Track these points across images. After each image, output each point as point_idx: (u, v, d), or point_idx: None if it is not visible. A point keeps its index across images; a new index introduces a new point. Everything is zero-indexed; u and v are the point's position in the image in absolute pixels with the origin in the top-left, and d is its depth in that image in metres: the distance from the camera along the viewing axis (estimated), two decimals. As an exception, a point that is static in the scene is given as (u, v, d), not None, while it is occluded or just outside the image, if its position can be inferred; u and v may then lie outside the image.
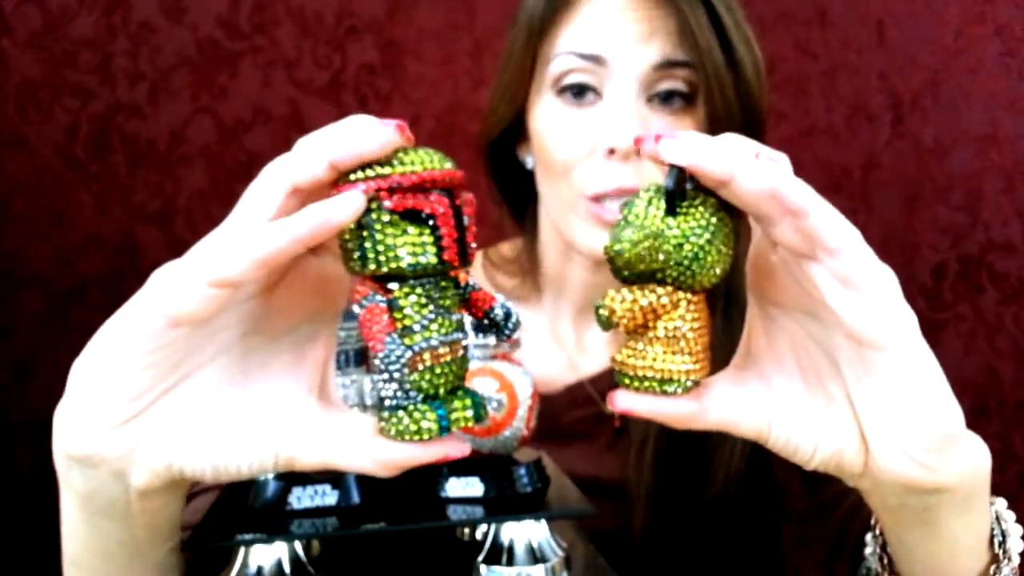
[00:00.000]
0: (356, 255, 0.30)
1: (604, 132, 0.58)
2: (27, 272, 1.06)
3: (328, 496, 0.42)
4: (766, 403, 0.33)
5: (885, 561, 0.43)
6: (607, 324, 0.31)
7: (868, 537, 0.44)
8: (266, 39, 1.09)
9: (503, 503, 0.43)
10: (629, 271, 0.30)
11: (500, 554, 0.42)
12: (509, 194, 0.72)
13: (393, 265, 0.29)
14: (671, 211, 0.30)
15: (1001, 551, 0.39)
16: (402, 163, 0.29)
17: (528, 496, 0.44)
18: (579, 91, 0.60)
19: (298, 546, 0.40)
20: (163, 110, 1.08)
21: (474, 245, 0.31)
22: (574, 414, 0.68)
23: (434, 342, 0.30)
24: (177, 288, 0.29)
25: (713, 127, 0.59)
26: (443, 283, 0.31)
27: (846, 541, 0.57)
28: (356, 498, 0.43)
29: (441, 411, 0.30)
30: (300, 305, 0.33)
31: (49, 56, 1.06)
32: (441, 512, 0.42)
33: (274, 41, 1.09)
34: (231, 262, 0.28)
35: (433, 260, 0.29)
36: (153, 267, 0.31)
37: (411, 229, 0.29)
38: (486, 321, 0.33)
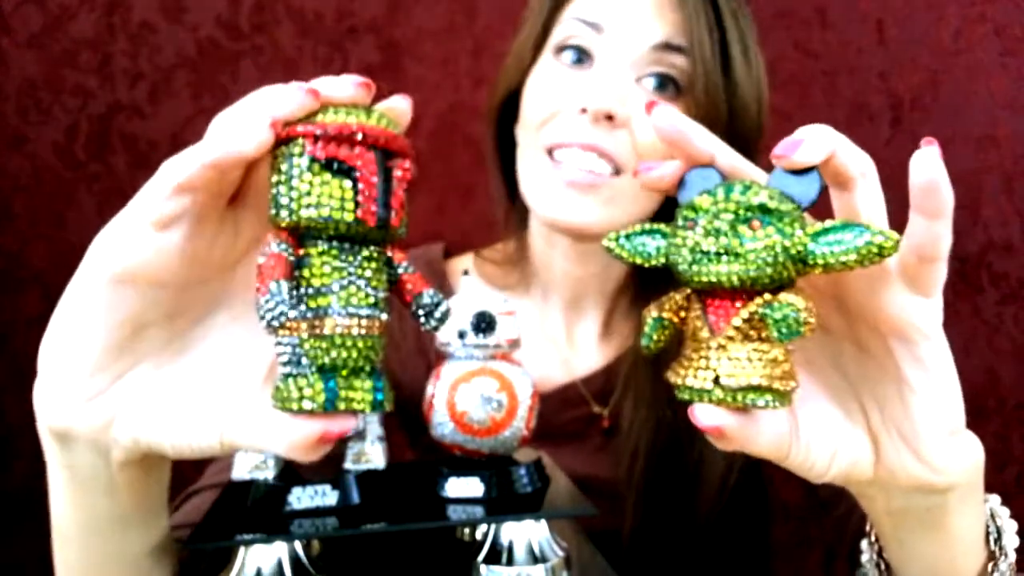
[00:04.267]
0: (272, 203, 0.28)
1: (581, 92, 0.58)
2: (27, 272, 1.06)
3: (328, 496, 0.42)
4: (787, 424, 0.32)
5: (882, 567, 0.42)
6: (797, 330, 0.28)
7: (863, 544, 0.44)
8: (266, 39, 1.09)
9: (503, 503, 0.43)
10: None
11: (500, 554, 0.42)
12: (509, 180, 0.71)
13: (305, 214, 0.28)
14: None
15: (997, 548, 0.39)
16: (336, 114, 0.28)
17: (528, 496, 0.44)
18: (577, 57, 0.61)
19: (298, 546, 0.40)
20: (163, 110, 1.08)
21: (398, 213, 0.29)
22: (566, 415, 0.68)
23: (339, 310, 0.28)
24: (118, 241, 0.30)
25: (700, 121, 0.59)
26: (367, 254, 0.29)
27: (844, 540, 0.57)
28: (356, 498, 0.43)
29: (331, 384, 0.28)
30: None
31: (49, 56, 1.06)
32: (441, 512, 0.42)
33: (274, 41, 1.09)
34: (156, 196, 0.29)
35: (348, 217, 0.28)
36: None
37: (330, 180, 0.28)
38: (413, 308, 0.30)
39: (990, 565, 0.39)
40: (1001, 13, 1.05)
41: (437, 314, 0.31)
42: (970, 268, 1.08)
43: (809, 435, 0.33)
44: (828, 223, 0.28)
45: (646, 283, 0.68)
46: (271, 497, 0.42)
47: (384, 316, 0.29)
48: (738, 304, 0.29)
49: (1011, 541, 0.40)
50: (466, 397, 0.44)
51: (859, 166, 0.31)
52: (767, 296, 0.28)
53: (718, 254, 0.28)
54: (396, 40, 1.10)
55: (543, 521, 0.43)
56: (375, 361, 0.29)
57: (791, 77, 1.08)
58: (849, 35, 1.08)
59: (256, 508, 0.42)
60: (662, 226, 0.31)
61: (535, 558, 0.42)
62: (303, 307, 0.28)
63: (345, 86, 0.29)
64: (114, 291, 0.30)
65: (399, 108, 0.31)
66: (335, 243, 0.29)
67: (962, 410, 0.33)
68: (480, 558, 0.42)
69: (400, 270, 0.30)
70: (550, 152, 0.60)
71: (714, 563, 0.67)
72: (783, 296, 0.28)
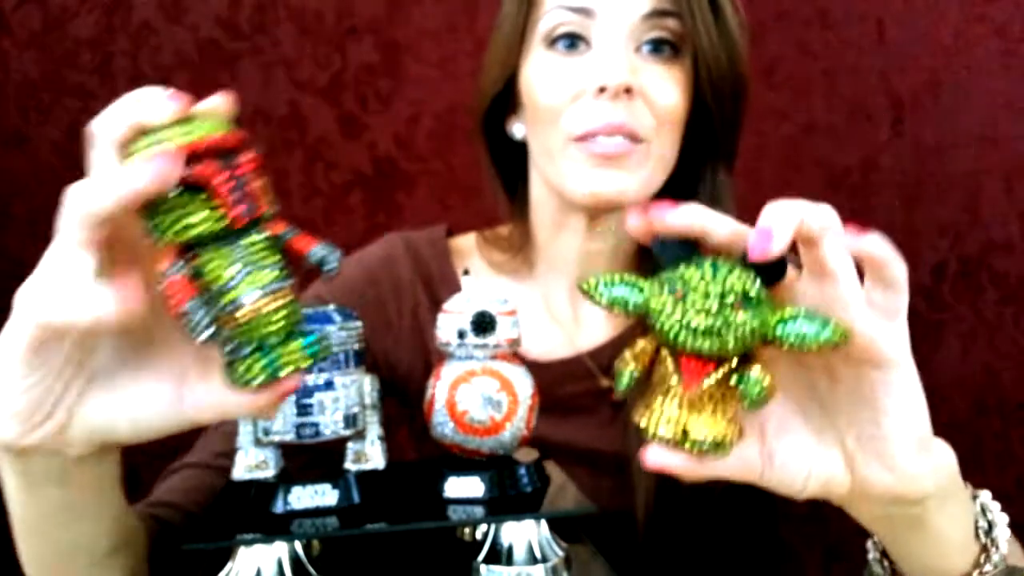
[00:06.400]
0: (151, 230, 0.31)
1: (593, 74, 0.60)
2: (27, 272, 1.06)
3: (328, 496, 0.42)
4: (759, 454, 0.37)
5: (886, 564, 0.45)
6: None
7: (869, 544, 0.46)
8: (266, 39, 1.09)
9: (503, 503, 0.43)
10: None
11: (500, 554, 0.42)
12: (501, 172, 0.73)
13: (184, 236, 0.31)
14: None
15: (988, 540, 0.42)
16: (164, 134, 0.31)
17: (528, 496, 0.44)
18: (570, 43, 0.62)
19: (298, 546, 0.40)
20: (163, 110, 1.08)
21: (260, 201, 0.32)
22: (571, 387, 0.68)
23: (248, 296, 0.31)
24: (48, 299, 0.32)
25: (701, 75, 0.61)
26: (250, 240, 0.32)
27: (845, 540, 0.57)
28: (356, 498, 0.43)
29: (270, 358, 0.32)
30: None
31: (49, 56, 1.06)
32: (441, 512, 0.42)
33: (274, 41, 1.09)
34: (79, 249, 0.31)
35: (218, 225, 0.31)
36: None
37: (190, 199, 0.31)
38: (308, 263, 0.34)
39: (982, 557, 0.41)
40: (1001, 13, 1.05)
41: (332, 261, 0.34)
42: (970, 268, 1.08)
43: (783, 459, 0.36)
44: (794, 310, 0.32)
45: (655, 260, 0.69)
46: (271, 497, 0.42)
47: (289, 282, 0.33)
48: (709, 368, 0.33)
49: (1003, 533, 0.42)
50: (466, 397, 0.44)
51: (820, 223, 0.33)
52: (734, 363, 0.33)
53: (706, 332, 0.32)
54: (396, 40, 1.10)
55: (543, 521, 0.43)
56: (299, 321, 0.33)
57: (791, 77, 1.08)
58: (849, 35, 1.08)
59: (256, 508, 0.42)
60: (641, 281, 0.34)
61: (535, 558, 0.42)
62: (220, 305, 0.32)
63: (161, 108, 0.31)
64: (49, 339, 0.32)
65: (218, 105, 0.32)
66: (220, 243, 0.32)
67: (929, 426, 0.36)
68: (480, 558, 0.42)
69: (285, 238, 0.33)
70: (577, 139, 0.61)
71: (727, 537, 0.68)
72: (754, 372, 0.33)
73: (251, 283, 0.32)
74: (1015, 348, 1.08)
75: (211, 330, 0.31)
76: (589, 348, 0.70)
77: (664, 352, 0.34)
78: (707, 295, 0.32)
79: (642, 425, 0.35)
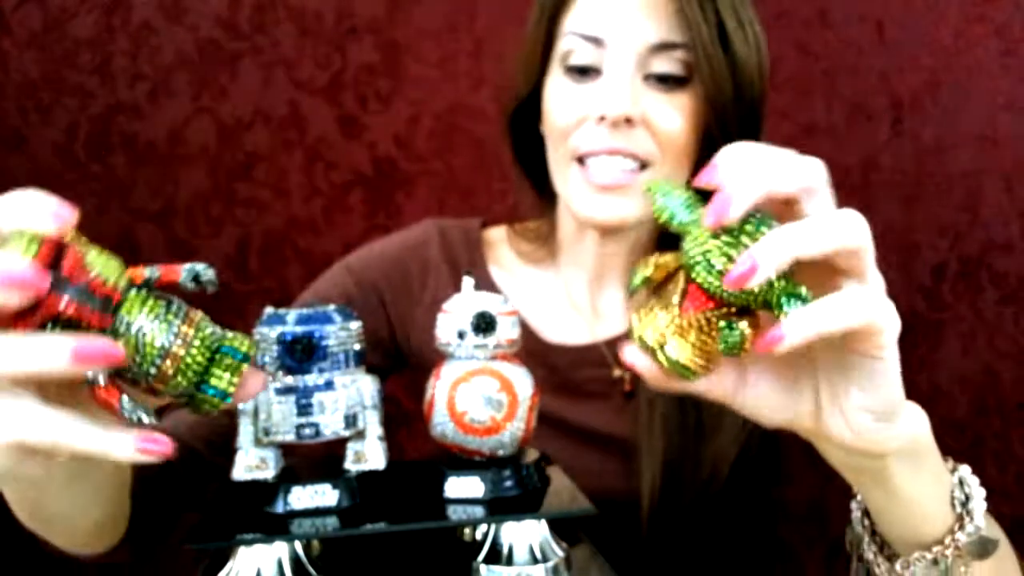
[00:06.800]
0: None
1: (597, 102, 0.62)
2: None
3: (328, 496, 0.42)
4: (733, 380, 0.40)
5: (866, 523, 0.47)
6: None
7: (853, 503, 0.48)
8: (266, 39, 1.09)
9: (503, 503, 0.43)
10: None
11: (500, 554, 0.42)
12: (533, 169, 0.75)
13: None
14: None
15: (964, 511, 0.44)
16: None
17: (528, 496, 0.44)
18: (586, 71, 0.64)
19: (298, 546, 0.40)
20: (163, 110, 1.08)
21: (103, 287, 0.33)
22: (586, 372, 0.71)
23: (163, 350, 0.34)
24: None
25: (708, 104, 0.62)
26: (125, 308, 0.34)
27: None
28: (356, 498, 0.43)
29: (211, 389, 0.35)
30: None
31: (49, 56, 1.06)
32: (441, 512, 0.42)
33: (274, 41, 1.09)
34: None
35: (95, 327, 0.33)
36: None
37: (54, 330, 0.32)
38: (190, 284, 0.36)
39: (957, 526, 0.44)
40: (1001, 13, 1.05)
41: (204, 280, 0.36)
42: (970, 268, 1.08)
43: (756, 390, 0.40)
44: (803, 291, 0.34)
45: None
46: (271, 497, 0.42)
47: (180, 315, 0.35)
48: (710, 304, 0.35)
49: (979, 506, 0.44)
50: (466, 397, 0.44)
51: (800, 185, 0.35)
52: (731, 311, 0.35)
53: (719, 272, 0.34)
54: (396, 40, 1.10)
55: (543, 521, 0.43)
56: (214, 340, 0.35)
57: (791, 77, 1.08)
58: (849, 35, 1.08)
59: (256, 508, 0.42)
60: (698, 206, 0.35)
61: (535, 558, 0.42)
62: (145, 376, 0.34)
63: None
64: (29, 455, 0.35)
65: (29, 218, 0.33)
66: (108, 329, 0.33)
67: (897, 402, 0.38)
68: (480, 558, 0.42)
69: (153, 280, 0.35)
70: (579, 160, 0.64)
71: (727, 536, 0.69)
72: (741, 323, 0.35)
73: (155, 339, 0.33)
74: (1015, 348, 1.08)
75: (150, 415, 0.33)
76: (606, 338, 0.72)
77: (681, 273, 0.36)
78: (736, 244, 0.33)
79: (632, 324, 0.37)
